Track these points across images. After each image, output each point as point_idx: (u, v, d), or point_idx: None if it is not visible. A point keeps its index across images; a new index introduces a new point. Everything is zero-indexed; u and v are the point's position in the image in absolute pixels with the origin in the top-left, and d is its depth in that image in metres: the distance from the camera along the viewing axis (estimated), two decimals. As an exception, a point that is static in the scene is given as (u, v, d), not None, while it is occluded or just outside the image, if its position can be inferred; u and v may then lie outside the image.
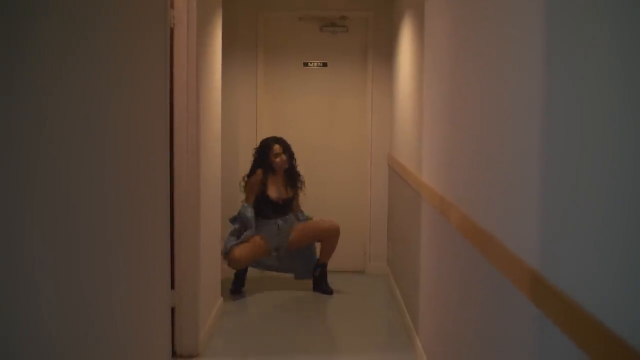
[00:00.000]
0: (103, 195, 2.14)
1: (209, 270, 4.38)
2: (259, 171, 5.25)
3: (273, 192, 5.31)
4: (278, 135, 5.49)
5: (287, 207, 5.40)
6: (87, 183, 2.00)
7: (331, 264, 5.71)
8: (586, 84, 1.50)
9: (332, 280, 5.53)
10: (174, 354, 3.86)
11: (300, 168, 5.53)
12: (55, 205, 1.77)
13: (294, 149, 5.46)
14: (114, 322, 2.28)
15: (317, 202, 6.02)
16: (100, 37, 2.11)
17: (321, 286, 5.46)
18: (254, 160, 5.38)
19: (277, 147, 5.32)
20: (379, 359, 4.19)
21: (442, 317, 3.24)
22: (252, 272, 5.71)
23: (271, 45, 6.03)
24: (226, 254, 5.10)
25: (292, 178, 5.42)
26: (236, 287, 5.36)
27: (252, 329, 4.69)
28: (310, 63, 6.08)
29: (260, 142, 5.45)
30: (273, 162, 5.28)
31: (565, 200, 1.61)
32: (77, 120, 1.92)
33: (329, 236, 5.42)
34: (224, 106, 5.23)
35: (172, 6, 3.69)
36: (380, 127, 6.01)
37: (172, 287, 3.78)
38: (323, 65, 6.08)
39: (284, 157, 5.32)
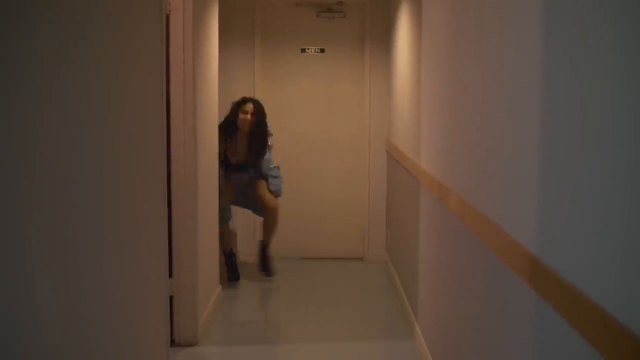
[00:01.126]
0: (100, 186, 2.12)
1: (207, 258, 4.37)
2: (220, 133, 5.08)
3: (232, 154, 5.25)
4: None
5: (246, 167, 5.33)
6: (85, 174, 1.99)
7: (330, 251, 5.70)
8: (586, 70, 1.48)
9: (331, 267, 5.52)
10: (172, 342, 3.86)
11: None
12: (54, 195, 1.76)
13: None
14: (112, 312, 2.27)
15: (314, 188, 6.01)
16: (96, 24, 2.08)
17: (264, 267, 5.45)
18: (228, 113, 5.31)
19: (248, 106, 5.23)
20: (379, 346, 4.18)
21: (441, 304, 3.23)
22: (248, 257, 5.70)
23: (268, 32, 5.99)
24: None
25: (256, 143, 5.26)
26: (233, 275, 5.35)
27: (251, 317, 4.69)
28: (308, 49, 6.04)
29: (240, 98, 5.38)
30: (238, 118, 5.21)
31: (565, 185, 1.59)
32: (76, 112, 1.90)
33: (269, 206, 5.34)
34: (221, 93, 5.19)
35: (167, -7, 3.65)
36: (379, 113, 5.99)
37: (170, 275, 3.77)
38: (320, 52, 6.04)
39: (249, 117, 5.20)
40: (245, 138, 5.27)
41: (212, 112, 4.53)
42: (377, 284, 5.48)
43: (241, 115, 5.21)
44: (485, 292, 2.37)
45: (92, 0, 2.07)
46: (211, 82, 4.48)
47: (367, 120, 6.02)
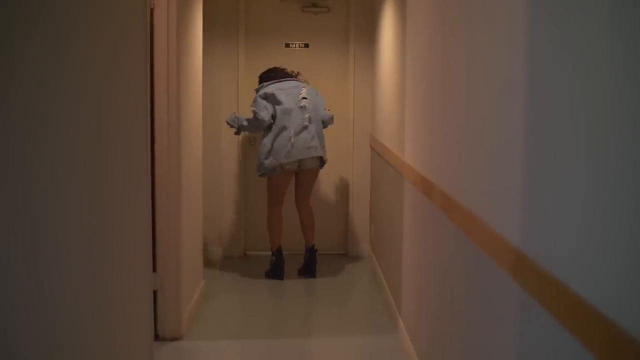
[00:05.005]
0: (83, 181, 2.10)
1: (191, 252, 4.36)
2: None
3: None
4: None
5: None
6: (68, 169, 1.97)
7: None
8: (573, 65, 1.49)
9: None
10: (157, 337, 3.84)
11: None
12: (34, 193, 1.74)
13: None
14: (96, 307, 2.26)
15: (299, 184, 6.00)
16: (79, 18, 2.06)
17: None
18: None
19: None
20: (363, 341, 4.19)
21: (425, 298, 3.25)
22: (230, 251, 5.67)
23: (252, 26, 5.97)
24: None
25: None
26: (275, 272, 5.38)
27: (235, 312, 4.69)
28: (292, 44, 6.03)
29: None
30: None
31: (549, 178, 1.61)
32: (59, 107, 1.88)
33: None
34: (205, 88, 5.17)
35: (151, -14, 3.63)
36: (363, 108, 5.99)
37: (154, 270, 3.75)
38: (305, 46, 6.03)
39: None
40: None
41: (196, 105, 4.51)
42: (360, 278, 5.49)
43: None
44: (469, 287, 2.38)
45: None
46: (195, 74, 4.47)
47: (351, 115, 6.03)
